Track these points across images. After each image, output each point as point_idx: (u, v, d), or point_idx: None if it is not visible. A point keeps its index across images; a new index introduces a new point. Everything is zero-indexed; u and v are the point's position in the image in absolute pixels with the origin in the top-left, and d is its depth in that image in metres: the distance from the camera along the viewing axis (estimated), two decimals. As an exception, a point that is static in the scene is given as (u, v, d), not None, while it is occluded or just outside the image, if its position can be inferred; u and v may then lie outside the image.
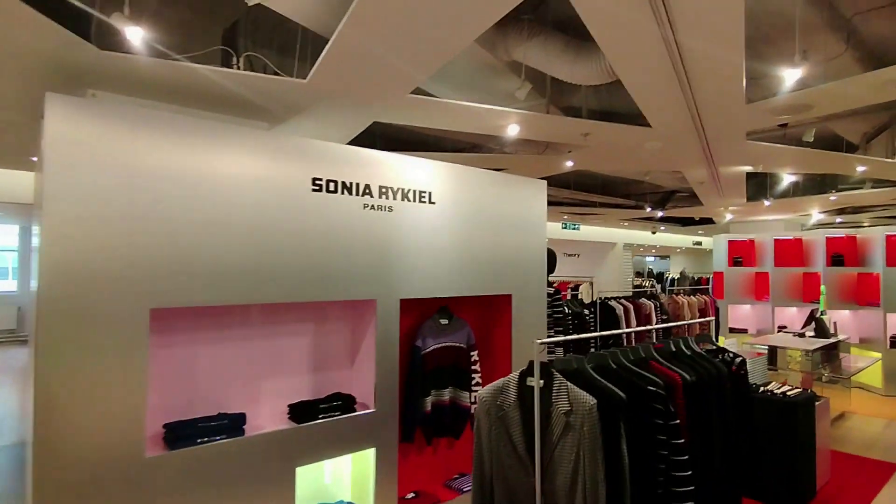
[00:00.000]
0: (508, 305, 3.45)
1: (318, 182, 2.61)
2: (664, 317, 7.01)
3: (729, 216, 9.53)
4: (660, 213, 8.85)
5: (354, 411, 2.75)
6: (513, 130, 4.65)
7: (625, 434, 1.83)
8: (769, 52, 3.53)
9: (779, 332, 7.31)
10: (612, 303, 6.56)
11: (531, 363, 1.86)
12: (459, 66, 4.03)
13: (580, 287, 10.50)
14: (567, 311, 5.77)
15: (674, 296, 7.63)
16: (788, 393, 3.87)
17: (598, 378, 1.92)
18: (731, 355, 2.58)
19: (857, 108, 4.82)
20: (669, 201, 8.53)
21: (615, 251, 11.64)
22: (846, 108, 4.04)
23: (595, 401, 1.76)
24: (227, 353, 2.66)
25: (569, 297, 7.65)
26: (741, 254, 8.96)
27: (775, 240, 8.45)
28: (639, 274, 17.08)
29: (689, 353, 2.40)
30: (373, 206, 2.81)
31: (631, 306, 6.61)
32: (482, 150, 5.64)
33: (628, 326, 6.53)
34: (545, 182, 3.66)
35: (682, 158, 5.57)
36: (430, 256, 3.05)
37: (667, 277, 17.45)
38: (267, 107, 3.65)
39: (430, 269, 3.05)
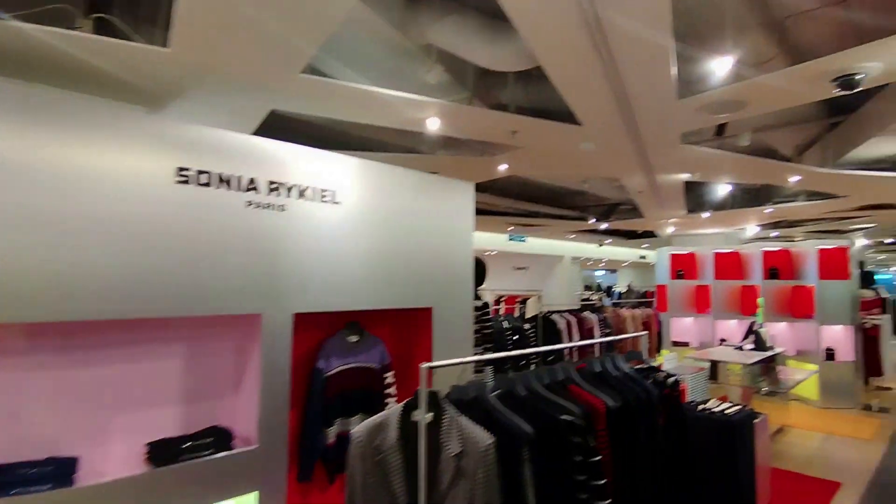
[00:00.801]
0: (428, 320, 3.08)
1: (184, 173, 2.17)
2: (607, 330, 6.84)
3: (671, 229, 9.61)
4: (604, 225, 8.79)
5: (231, 448, 2.29)
6: (433, 124, 4.27)
7: (531, 478, 1.48)
8: (700, 50, 3.38)
9: (720, 345, 7.27)
10: (555, 317, 6.33)
11: (417, 392, 1.49)
12: (373, 50, 3.67)
13: (528, 301, 10.34)
14: (506, 326, 5.47)
15: (617, 309, 7.50)
16: (727, 411, 3.66)
17: (501, 409, 1.57)
18: (663, 375, 2.30)
19: (791, 119, 4.81)
20: (613, 213, 8.49)
21: (563, 264, 11.57)
22: (780, 105, 3.94)
23: (492, 439, 1.41)
24: (72, 382, 2.16)
25: (517, 311, 7.40)
26: (683, 267, 8.99)
27: (715, 253, 8.52)
28: (588, 288, 17.18)
29: (616, 373, 2.09)
30: (259, 203, 2.38)
31: (574, 320, 6.39)
32: (413, 151, 5.31)
33: (571, 341, 6.31)
34: (472, 184, 3.34)
35: (619, 163, 5.39)
36: (334, 264, 2.65)
37: (614, 291, 17.66)
38: (138, 85, 3.16)
39: (334, 278, 2.64)
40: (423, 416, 1.45)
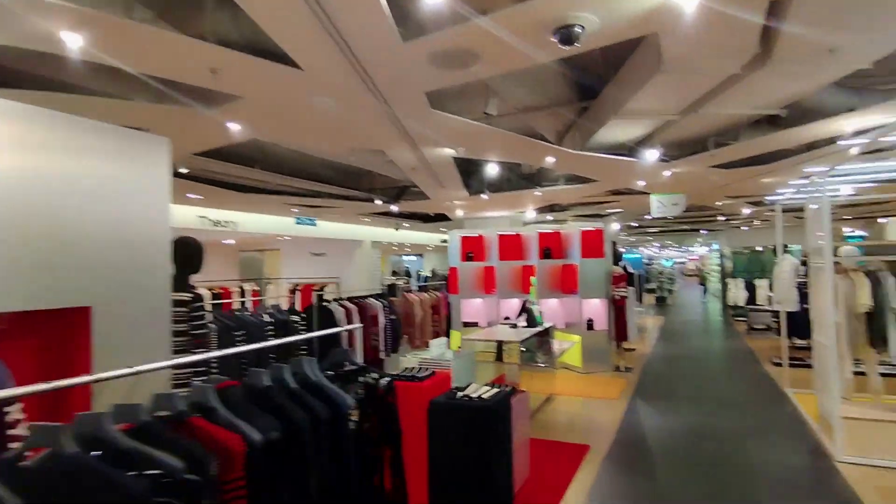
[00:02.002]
0: (86, 324, 2.20)
1: None
2: (392, 317, 6.52)
3: (460, 212, 9.87)
4: (394, 208, 8.57)
5: None
6: (72, 41, 3.09)
7: None
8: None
9: (502, 324, 7.53)
10: (333, 305, 5.75)
11: None
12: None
13: (325, 288, 9.63)
14: (267, 319, 4.71)
15: (405, 294, 7.28)
16: (485, 395, 3.51)
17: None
18: (375, 376, 1.85)
19: (550, 101, 4.94)
20: (404, 195, 8.30)
21: (363, 250, 11.14)
22: (513, 64, 3.86)
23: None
24: None
25: (314, 300, 6.65)
26: (472, 249, 9.25)
27: (499, 235, 8.91)
28: (395, 273, 17.16)
29: (294, 385, 1.54)
30: None
31: (354, 308, 5.89)
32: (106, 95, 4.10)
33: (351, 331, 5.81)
34: (166, 140, 2.51)
35: (373, 130, 4.88)
36: None
37: (421, 275, 17.98)
38: None
39: None
40: None
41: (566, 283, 8.61)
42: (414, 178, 6.38)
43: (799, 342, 8.30)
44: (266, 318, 4.66)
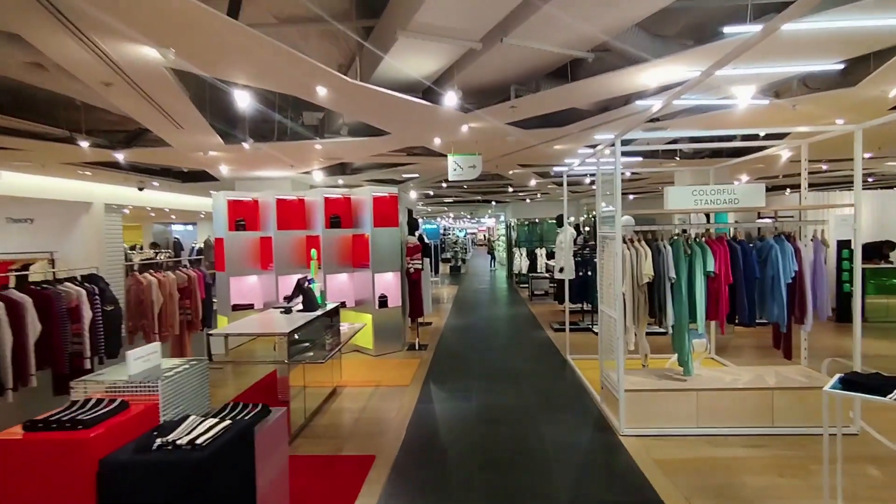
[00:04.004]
0: None
1: None
2: (109, 308, 4.65)
3: (224, 169, 8.02)
4: (118, 156, 6.33)
5: None
6: None
7: None
8: None
9: (277, 307, 6.15)
10: (-15, 298, 3.70)
11: None
12: None
13: (31, 267, 6.86)
14: None
15: (135, 275, 5.36)
16: (203, 436, 2.24)
17: None
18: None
19: (323, 13, 3.68)
20: (138, 141, 6.13)
21: (93, 215, 8.39)
22: None
23: None
24: None
25: (11, 280, 4.29)
26: (244, 216, 7.56)
27: (277, 199, 7.40)
28: (155, 245, 14.02)
29: None
30: None
31: (25, 301, 3.92)
32: None
33: (24, 329, 3.84)
34: None
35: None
36: None
37: (194, 248, 15.12)
38: None
39: None
40: None
41: (357, 256, 7.61)
42: (121, 104, 4.45)
43: (572, 307, 8.79)
44: None
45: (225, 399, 4.18)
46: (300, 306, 5.18)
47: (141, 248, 14.42)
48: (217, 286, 7.46)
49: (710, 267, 4.24)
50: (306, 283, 5.25)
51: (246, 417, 2.64)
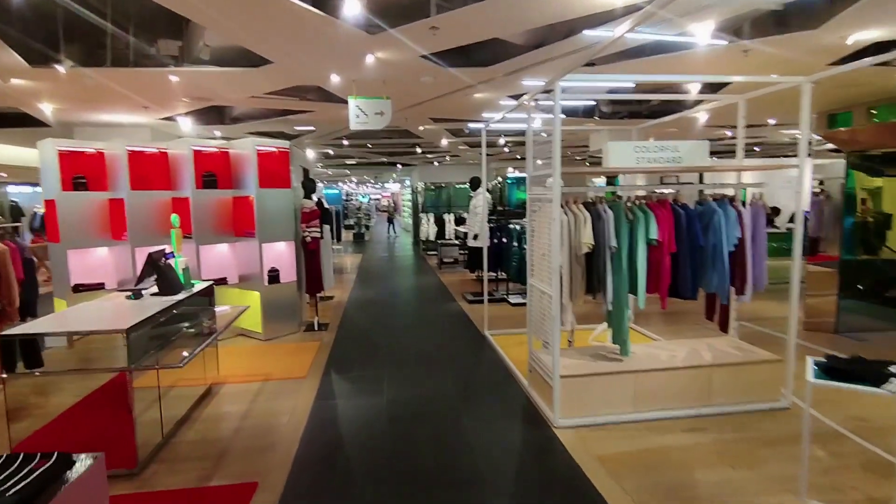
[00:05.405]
0: None
1: None
2: None
3: (47, 110, 6.19)
4: None
5: None
6: None
7: None
8: None
9: (122, 290, 4.85)
10: None
11: None
12: None
13: None
14: None
15: None
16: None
17: None
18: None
19: None
20: None
21: None
22: None
23: None
24: None
25: None
26: (85, 172, 5.93)
27: (129, 151, 5.87)
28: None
29: None
30: None
31: None
32: None
33: None
34: None
35: None
36: None
37: (37, 214, 12.51)
38: None
39: None
40: None
41: (239, 223, 6.34)
42: None
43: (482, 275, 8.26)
44: None
45: (59, 409, 3.02)
46: (155, 288, 3.99)
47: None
48: (52, 262, 5.85)
49: (654, 234, 3.74)
50: (163, 259, 4.03)
51: (22, 484, 1.61)
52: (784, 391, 3.94)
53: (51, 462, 1.77)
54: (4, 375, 2.93)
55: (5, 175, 12.76)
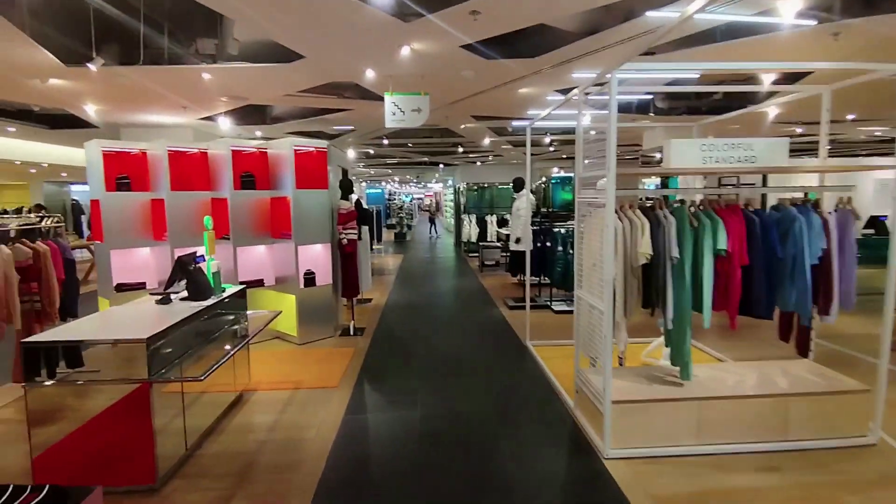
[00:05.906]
0: None
1: None
2: None
3: (90, 110, 6.27)
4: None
5: None
6: None
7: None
8: None
9: (154, 294, 4.76)
10: None
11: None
12: None
13: None
14: None
15: (-63, 250, 3.81)
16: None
17: None
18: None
19: None
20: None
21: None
22: None
23: None
24: None
25: None
26: (129, 172, 5.98)
27: (169, 151, 5.86)
28: (39, 207, 11.84)
29: None
30: None
31: None
32: None
33: None
34: None
35: None
36: None
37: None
38: None
39: None
40: None
41: (276, 224, 6.25)
42: None
43: (524, 279, 7.87)
44: None
45: (90, 413, 2.92)
46: (185, 293, 3.87)
47: (23, 212, 12.15)
48: (97, 261, 5.92)
49: (723, 244, 3.29)
50: (194, 263, 3.91)
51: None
52: (872, 425, 3.40)
53: (41, 496, 1.60)
54: (24, 385, 2.84)
55: (66, 174, 13.38)
